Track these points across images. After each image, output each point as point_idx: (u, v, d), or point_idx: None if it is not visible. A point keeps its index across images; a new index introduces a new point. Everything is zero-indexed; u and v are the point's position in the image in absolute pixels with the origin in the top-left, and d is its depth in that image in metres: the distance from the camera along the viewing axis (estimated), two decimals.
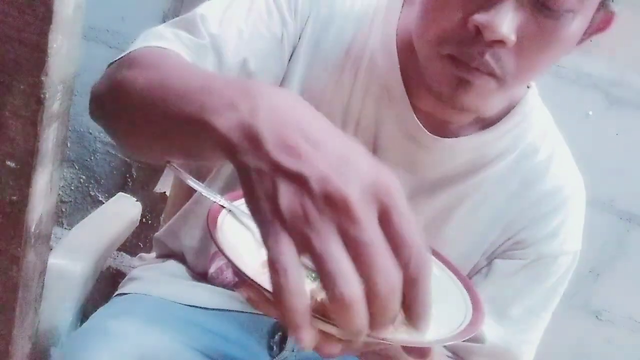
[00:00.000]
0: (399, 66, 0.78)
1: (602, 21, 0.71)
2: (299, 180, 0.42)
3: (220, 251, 0.57)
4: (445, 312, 0.64)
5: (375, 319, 0.42)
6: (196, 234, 0.92)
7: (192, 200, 0.93)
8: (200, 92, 0.49)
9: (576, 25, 0.66)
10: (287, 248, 0.41)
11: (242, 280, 0.56)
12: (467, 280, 0.72)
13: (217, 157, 0.48)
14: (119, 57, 0.68)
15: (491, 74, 0.67)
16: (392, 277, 0.42)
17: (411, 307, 0.44)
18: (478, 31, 0.64)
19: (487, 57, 0.65)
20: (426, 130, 0.78)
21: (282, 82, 0.81)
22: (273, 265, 0.42)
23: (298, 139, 0.43)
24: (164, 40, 0.70)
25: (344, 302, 0.41)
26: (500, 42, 0.64)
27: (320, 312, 0.55)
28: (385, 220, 0.43)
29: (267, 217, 0.43)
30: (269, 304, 0.56)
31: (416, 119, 0.78)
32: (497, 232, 0.83)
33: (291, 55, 0.81)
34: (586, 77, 1.51)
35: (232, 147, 0.45)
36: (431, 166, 0.81)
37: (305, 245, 0.41)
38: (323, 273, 0.41)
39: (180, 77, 0.55)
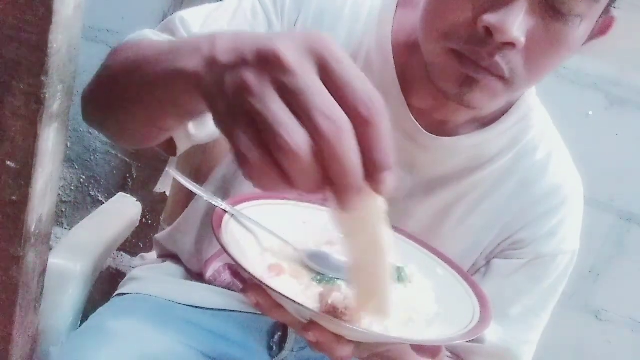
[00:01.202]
0: (394, 66, 0.78)
1: (602, 25, 0.71)
2: (239, 63, 0.43)
3: (227, 253, 0.57)
4: (453, 311, 0.64)
5: (336, 174, 0.41)
6: (190, 239, 0.92)
7: (189, 208, 0.94)
8: (169, 51, 0.55)
9: (582, 29, 0.67)
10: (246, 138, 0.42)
11: (250, 284, 0.56)
12: (471, 278, 0.72)
13: (194, 100, 0.49)
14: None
15: (499, 76, 0.67)
16: (336, 118, 0.40)
17: (370, 156, 0.42)
18: (488, 31, 0.63)
19: (497, 58, 0.65)
20: (423, 129, 0.78)
21: None
22: (244, 159, 0.41)
23: (247, 45, 0.44)
24: (144, 36, 0.73)
25: (290, 150, 0.40)
26: (511, 45, 0.64)
27: (332, 314, 0.56)
28: (325, 71, 0.42)
29: (229, 121, 0.43)
30: (277, 307, 0.56)
31: (413, 118, 0.78)
32: (495, 232, 0.83)
33: None
34: (586, 77, 1.52)
35: (198, 79, 0.47)
36: (429, 165, 0.81)
37: (250, 114, 0.41)
38: (265, 130, 0.40)
39: (152, 47, 0.61)
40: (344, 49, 0.79)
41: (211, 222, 0.62)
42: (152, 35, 0.74)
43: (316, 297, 0.59)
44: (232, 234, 0.63)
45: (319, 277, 0.64)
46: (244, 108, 0.41)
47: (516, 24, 0.62)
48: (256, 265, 0.63)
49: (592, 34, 0.71)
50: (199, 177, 0.93)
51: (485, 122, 0.81)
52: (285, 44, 0.42)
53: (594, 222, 1.53)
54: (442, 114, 0.79)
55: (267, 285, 0.55)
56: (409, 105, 0.78)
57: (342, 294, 0.59)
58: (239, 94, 0.42)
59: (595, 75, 1.51)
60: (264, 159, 0.41)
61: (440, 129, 0.79)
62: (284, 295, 0.54)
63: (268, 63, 0.41)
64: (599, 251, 1.62)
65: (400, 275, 0.68)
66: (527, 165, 0.83)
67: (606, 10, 0.69)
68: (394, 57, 0.78)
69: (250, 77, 0.42)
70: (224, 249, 0.58)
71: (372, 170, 0.42)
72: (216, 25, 0.76)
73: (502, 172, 0.82)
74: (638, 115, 1.52)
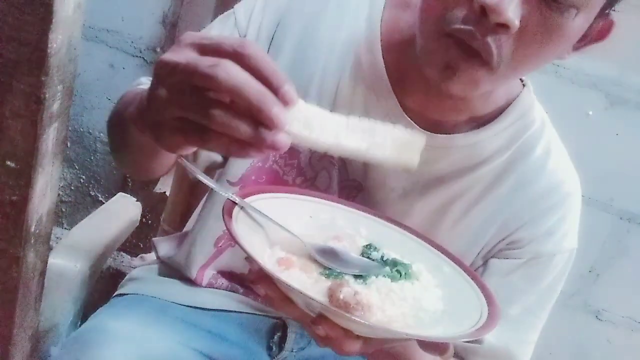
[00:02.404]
0: (384, 66, 0.78)
1: (601, 29, 0.71)
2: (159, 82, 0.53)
3: (238, 244, 0.58)
4: (460, 309, 0.65)
5: (253, 102, 0.49)
6: (184, 248, 0.92)
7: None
8: (128, 104, 0.67)
9: (577, 23, 0.66)
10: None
11: (259, 276, 0.57)
12: (478, 276, 0.72)
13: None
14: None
15: (484, 61, 0.66)
16: (220, 69, 0.49)
17: (265, 81, 0.50)
18: (483, 12, 0.63)
19: (489, 40, 0.65)
20: (418, 127, 0.78)
21: None
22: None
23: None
24: (139, 84, 0.83)
25: (218, 116, 0.50)
26: (504, 26, 0.63)
27: (342, 309, 0.56)
28: (196, 47, 0.52)
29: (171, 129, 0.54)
30: (286, 300, 0.57)
31: (406, 116, 0.78)
32: (492, 231, 0.83)
33: None
34: (586, 77, 1.52)
35: (138, 116, 0.59)
36: (425, 164, 0.81)
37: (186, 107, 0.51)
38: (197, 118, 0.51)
39: (125, 100, 0.73)
40: (330, 51, 0.81)
41: (222, 213, 0.62)
42: (145, 82, 0.82)
43: (325, 292, 0.60)
44: (242, 226, 0.64)
45: (327, 272, 0.64)
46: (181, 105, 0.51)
47: (511, 6, 0.62)
48: (265, 258, 0.64)
49: (591, 37, 0.71)
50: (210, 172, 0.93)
51: (482, 121, 0.81)
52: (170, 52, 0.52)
53: (594, 222, 1.53)
54: (437, 113, 0.79)
55: (278, 278, 0.55)
56: (402, 105, 0.78)
57: (351, 288, 0.60)
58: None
59: (595, 75, 1.51)
60: (212, 137, 0.51)
61: (436, 128, 0.79)
62: (295, 288, 0.55)
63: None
64: (599, 251, 1.62)
65: (407, 273, 0.68)
66: (525, 164, 0.82)
67: (603, 13, 0.69)
68: (383, 58, 0.78)
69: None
70: (235, 240, 0.58)
71: (275, 90, 0.50)
72: None
73: (499, 172, 0.82)
74: (638, 115, 1.52)
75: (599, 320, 1.69)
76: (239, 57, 0.50)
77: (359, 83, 0.80)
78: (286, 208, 0.72)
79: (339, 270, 0.64)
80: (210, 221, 0.87)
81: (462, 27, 0.65)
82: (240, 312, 0.89)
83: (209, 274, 0.90)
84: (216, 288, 0.91)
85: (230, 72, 0.49)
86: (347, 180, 0.83)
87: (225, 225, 0.61)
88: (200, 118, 0.50)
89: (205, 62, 0.50)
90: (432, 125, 0.79)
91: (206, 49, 0.51)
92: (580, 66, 1.50)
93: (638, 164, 1.54)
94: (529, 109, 0.83)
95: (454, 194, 0.82)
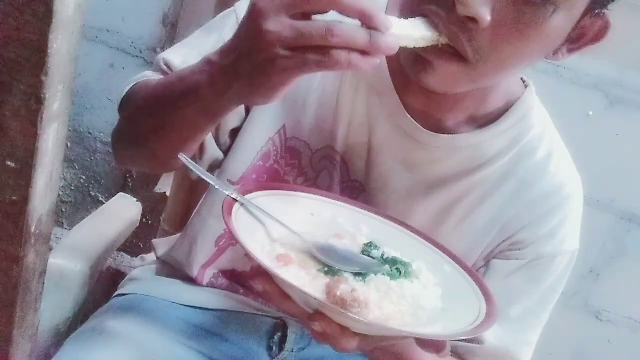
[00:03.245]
0: (387, 65, 0.78)
1: (598, 30, 0.71)
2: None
3: (237, 240, 0.58)
4: (458, 308, 0.65)
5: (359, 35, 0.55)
6: (184, 248, 0.92)
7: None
8: (183, 71, 0.70)
9: (558, 21, 0.65)
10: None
11: (257, 272, 0.57)
12: (478, 275, 0.72)
13: (221, 90, 0.63)
14: (122, 96, 0.82)
15: (457, 55, 0.66)
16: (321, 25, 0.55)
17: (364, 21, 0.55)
18: (453, 3, 0.63)
19: (460, 34, 0.64)
20: (421, 127, 0.78)
21: None
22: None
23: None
24: (144, 77, 0.83)
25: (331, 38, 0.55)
26: (473, 20, 0.63)
27: (339, 305, 0.56)
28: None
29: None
30: (284, 296, 0.59)
31: (409, 116, 0.78)
32: (494, 232, 0.83)
33: None
34: (586, 77, 1.51)
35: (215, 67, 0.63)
36: (428, 164, 0.81)
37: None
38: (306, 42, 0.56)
39: (163, 83, 0.75)
40: None
41: (221, 209, 0.63)
42: (151, 76, 0.82)
43: (323, 288, 0.61)
44: (241, 222, 0.64)
45: (325, 269, 0.65)
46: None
47: None
48: (265, 254, 0.64)
49: (587, 38, 0.71)
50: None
51: (484, 121, 0.81)
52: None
53: (594, 222, 1.53)
54: (438, 112, 0.79)
55: (275, 274, 0.56)
56: (405, 105, 0.78)
57: (349, 285, 0.60)
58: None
59: (595, 75, 1.51)
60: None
61: (439, 128, 0.79)
62: (291, 284, 0.55)
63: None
64: (599, 251, 1.62)
65: (406, 271, 0.68)
66: (527, 166, 0.82)
67: (592, 12, 0.68)
68: (385, 58, 0.78)
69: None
70: (234, 236, 0.59)
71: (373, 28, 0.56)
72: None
73: (501, 173, 0.82)
74: (638, 115, 1.52)
75: (599, 320, 1.69)
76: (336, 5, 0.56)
77: (361, 83, 0.80)
78: (287, 205, 0.72)
79: (337, 268, 0.65)
80: (211, 220, 0.87)
81: (434, 8, 0.64)
82: (240, 312, 0.89)
83: (209, 273, 0.90)
84: (217, 287, 0.91)
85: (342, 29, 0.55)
86: (349, 181, 0.83)
87: (225, 221, 0.61)
88: (320, 40, 0.54)
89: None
90: (434, 125, 0.79)
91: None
92: (580, 66, 1.50)
93: (638, 164, 1.54)
94: (531, 110, 0.83)
95: (457, 195, 0.82)
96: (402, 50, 0.68)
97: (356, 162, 0.82)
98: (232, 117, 0.83)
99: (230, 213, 0.63)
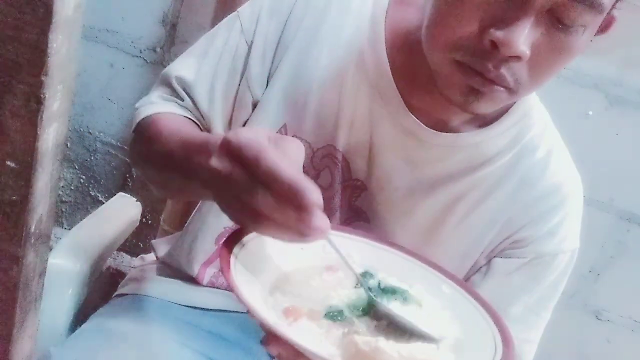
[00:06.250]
0: (388, 65, 0.78)
1: (603, 24, 0.71)
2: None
3: (242, 303, 0.55)
4: (472, 332, 0.62)
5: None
6: (185, 248, 0.92)
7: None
8: (179, 154, 0.69)
9: (586, 36, 0.67)
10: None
11: (269, 336, 0.54)
12: (475, 291, 0.70)
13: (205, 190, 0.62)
14: (135, 124, 0.84)
15: (504, 86, 0.68)
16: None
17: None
18: (494, 45, 0.64)
19: (503, 70, 0.66)
20: (424, 126, 0.78)
21: (266, 94, 0.83)
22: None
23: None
24: (155, 106, 0.83)
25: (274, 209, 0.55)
26: (516, 57, 0.64)
27: (360, 357, 0.55)
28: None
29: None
30: (300, 357, 0.54)
31: (412, 115, 0.78)
32: (496, 231, 0.83)
33: (270, 69, 0.83)
34: (586, 77, 1.51)
35: (203, 183, 0.62)
36: (429, 162, 0.81)
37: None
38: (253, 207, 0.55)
39: (168, 142, 0.74)
40: (334, 51, 0.81)
41: (220, 261, 0.60)
42: (163, 105, 0.83)
43: (339, 341, 0.58)
44: (239, 272, 0.60)
45: (330, 314, 0.61)
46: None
47: (522, 38, 0.63)
48: (269, 309, 0.60)
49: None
50: None
51: (486, 121, 0.81)
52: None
53: (594, 222, 1.53)
54: (442, 112, 0.79)
55: (296, 344, 0.52)
56: (407, 104, 0.78)
57: (361, 333, 0.58)
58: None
59: (595, 75, 1.51)
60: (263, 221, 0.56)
61: (441, 127, 0.79)
62: (311, 351, 0.52)
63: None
64: (599, 251, 1.62)
65: (406, 298, 0.65)
66: (528, 165, 0.83)
67: (608, 12, 0.69)
68: (387, 57, 0.79)
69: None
70: (240, 300, 0.55)
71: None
72: (206, 84, 0.83)
73: (502, 172, 0.82)
74: (638, 115, 1.52)
75: (599, 320, 1.69)
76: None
77: (363, 82, 0.80)
78: (277, 244, 0.64)
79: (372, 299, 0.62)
80: (211, 218, 0.87)
81: (474, 59, 0.66)
82: (240, 312, 0.89)
83: (210, 272, 0.90)
84: (217, 287, 0.91)
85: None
86: (350, 180, 0.83)
87: (223, 274, 0.60)
88: (252, 203, 0.55)
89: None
90: (436, 124, 0.79)
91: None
92: (580, 66, 1.50)
93: (638, 164, 1.54)
94: (531, 109, 0.83)
95: (459, 193, 0.82)
96: (445, 80, 0.70)
97: (358, 161, 0.82)
98: (242, 112, 0.83)
99: (229, 267, 0.59)
